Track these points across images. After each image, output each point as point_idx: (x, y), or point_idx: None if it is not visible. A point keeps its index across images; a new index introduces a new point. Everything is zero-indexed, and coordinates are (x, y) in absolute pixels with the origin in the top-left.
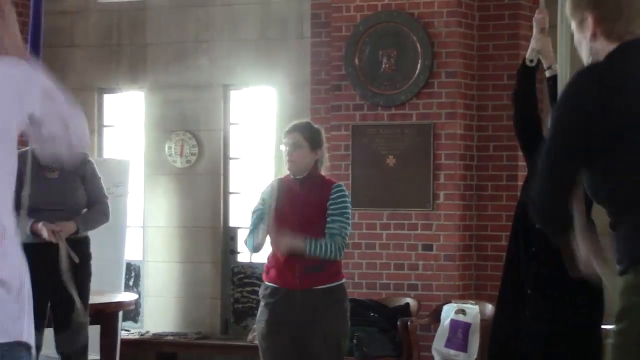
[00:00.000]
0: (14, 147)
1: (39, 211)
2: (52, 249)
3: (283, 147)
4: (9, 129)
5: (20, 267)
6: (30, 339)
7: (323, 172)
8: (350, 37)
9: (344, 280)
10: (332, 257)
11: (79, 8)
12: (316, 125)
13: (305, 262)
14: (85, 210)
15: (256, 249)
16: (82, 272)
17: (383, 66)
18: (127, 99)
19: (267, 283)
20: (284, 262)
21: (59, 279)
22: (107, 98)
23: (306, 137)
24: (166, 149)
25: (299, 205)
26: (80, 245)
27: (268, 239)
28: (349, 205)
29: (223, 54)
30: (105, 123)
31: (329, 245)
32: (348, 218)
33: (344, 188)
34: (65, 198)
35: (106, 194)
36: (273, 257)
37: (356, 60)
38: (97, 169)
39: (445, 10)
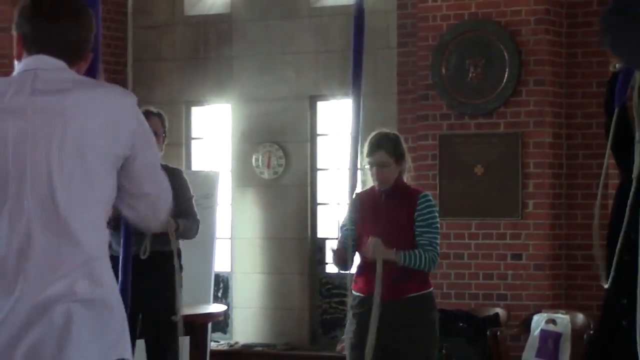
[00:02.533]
0: (111, 171)
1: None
2: (140, 259)
3: (367, 166)
4: (108, 154)
5: (115, 287)
6: (130, 356)
7: (408, 180)
8: (437, 47)
9: (431, 289)
10: (427, 269)
11: (166, 22)
12: (393, 134)
13: (393, 273)
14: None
15: (343, 268)
16: (174, 284)
17: (470, 75)
18: (214, 111)
19: (354, 293)
20: (371, 272)
21: (149, 290)
22: (195, 111)
23: (391, 153)
24: (253, 160)
25: (385, 217)
26: (172, 258)
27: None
28: (437, 215)
29: (309, 66)
30: (193, 135)
31: (423, 257)
32: (437, 229)
33: (431, 197)
34: None
35: (196, 212)
36: (362, 267)
37: (443, 70)
38: (189, 186)
39: (532, 18)
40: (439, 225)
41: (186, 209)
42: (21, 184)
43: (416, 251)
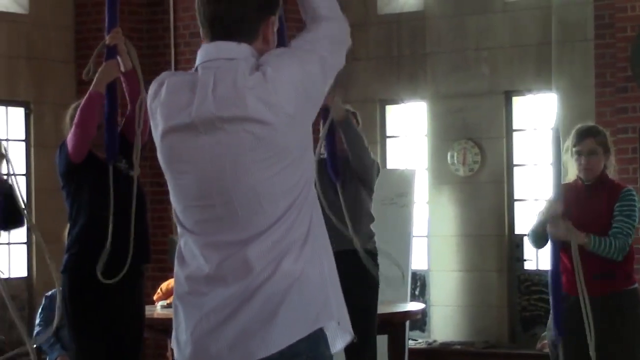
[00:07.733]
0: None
1: None
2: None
3: (574, 154)
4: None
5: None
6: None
7: (611, 176)
8: (636, 37)
9: (636, 284)
10: (614, 257)
11: (360, 21)
12: (602, 128)
13: (593, 268)
14: None
15: (535, 235)
16: (367, 283)
17: None
18: (409, 109)
19: None
20: (572, 268)
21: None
22: (390, 109)
23: (599, 142)
24: (449, 157)
25: (587, 211)
26: (357, 256)
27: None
28: (636, 208)
29: (504, 61)
30: (388, 134)
31: (613, 244)
32: (634, 220)
33: (634, 192)
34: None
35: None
36: (561, 263)
37: None
38: None
39: None
40: (636, 219)
41: None
42: (227, 202)
43: (607, 238)
